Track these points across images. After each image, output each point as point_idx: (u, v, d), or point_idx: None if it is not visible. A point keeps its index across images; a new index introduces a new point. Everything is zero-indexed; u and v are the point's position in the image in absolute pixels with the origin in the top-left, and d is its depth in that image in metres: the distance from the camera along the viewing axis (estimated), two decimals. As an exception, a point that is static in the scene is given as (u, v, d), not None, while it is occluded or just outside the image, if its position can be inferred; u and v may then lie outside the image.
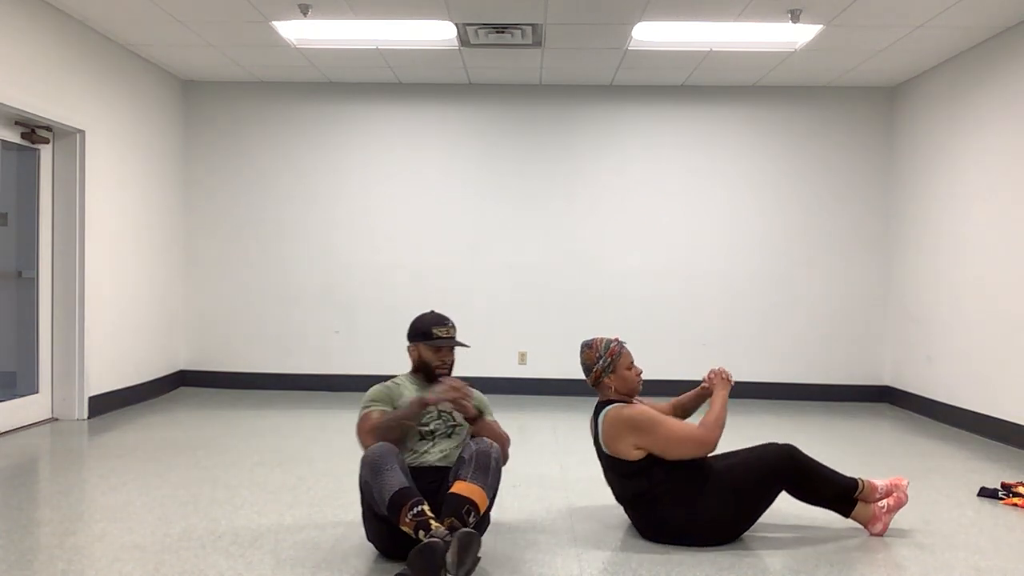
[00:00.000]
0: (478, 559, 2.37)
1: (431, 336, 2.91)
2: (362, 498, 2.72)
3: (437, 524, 2.37)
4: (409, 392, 2.90)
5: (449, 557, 2.26)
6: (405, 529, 2.40)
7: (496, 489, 2.63)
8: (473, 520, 2.42)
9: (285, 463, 4.11)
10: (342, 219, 6.63)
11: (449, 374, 2.93)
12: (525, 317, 6.61)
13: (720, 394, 2.98)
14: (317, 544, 2.88)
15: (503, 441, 2.83)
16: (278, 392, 6.52)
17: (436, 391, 2.72)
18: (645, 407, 2.93)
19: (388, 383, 2.96)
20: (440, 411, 2.84)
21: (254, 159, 6.65)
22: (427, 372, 2.93)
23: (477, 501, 2.41)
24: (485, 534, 2.97)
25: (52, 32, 4.84)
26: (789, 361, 6.55)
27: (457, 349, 6.43)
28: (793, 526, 3.17)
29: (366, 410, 2.83)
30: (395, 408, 2.82)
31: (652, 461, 2.85)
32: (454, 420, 2.86)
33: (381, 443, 2.62)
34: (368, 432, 2.74)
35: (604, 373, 2.99)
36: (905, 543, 2.98)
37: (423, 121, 6.60)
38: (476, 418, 2.77)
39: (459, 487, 2.40)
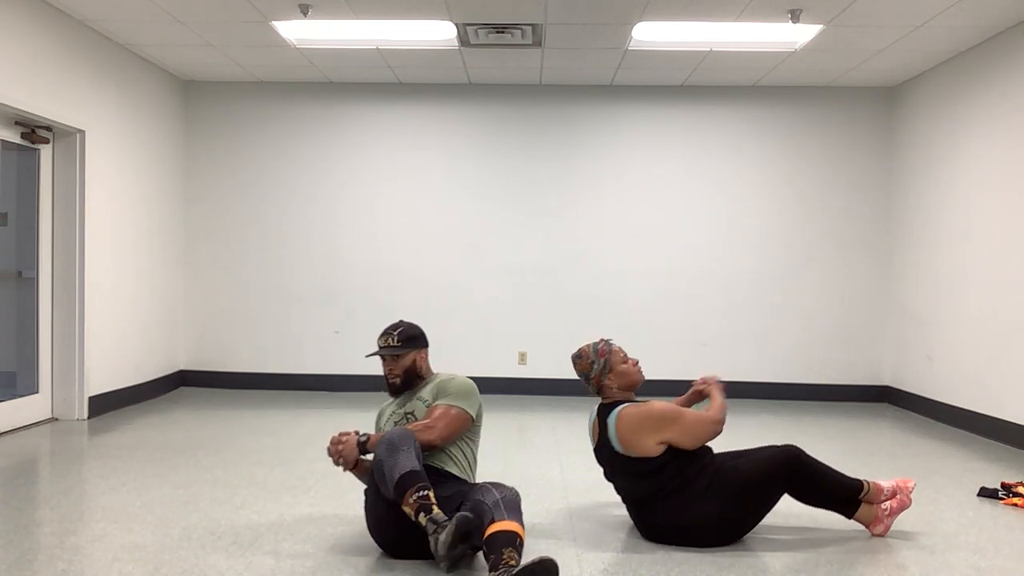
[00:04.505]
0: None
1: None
2: (369, 482, 2.77)
3: (438, 510, 2.46)
4: (387, 412, 3.07)
5: (443, 537, 2.35)
6: (406, 510, 2.49)
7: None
8: (521, 551, 2.49)
9: (285, 463, 4.11)
10: (342, 219, 6.63)
11: (400, 383, 3.02)
12: (525, 317, 6.61)
13: (718, 394, 3.10)
14: (317, 544, 2.88)
15: (422, 428, 2.77)
16: (278, 392, 6.52)
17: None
18: (656, 401, 2.98)
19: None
20: (406, 414, 2.95)
21: (254, 159, 6.65)
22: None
23: (521, 534, 2.50)
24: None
25: (52, 32, 4.83)
26: (789, 361, 6.55)
27: (458, 349, 6.49)
28: (793, 527, 3.17)
29: None
30: (379, 429, 3.03)
31: (668, 458, 2.87)
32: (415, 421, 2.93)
33: (401, 427, 2.73)
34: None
35: (603, 375, 3.04)
36: (906, 543, 2.99)
37: (423, 121, 6.60)
38: (363, 442, 2.76)
39: (502, 525, 2.47)
